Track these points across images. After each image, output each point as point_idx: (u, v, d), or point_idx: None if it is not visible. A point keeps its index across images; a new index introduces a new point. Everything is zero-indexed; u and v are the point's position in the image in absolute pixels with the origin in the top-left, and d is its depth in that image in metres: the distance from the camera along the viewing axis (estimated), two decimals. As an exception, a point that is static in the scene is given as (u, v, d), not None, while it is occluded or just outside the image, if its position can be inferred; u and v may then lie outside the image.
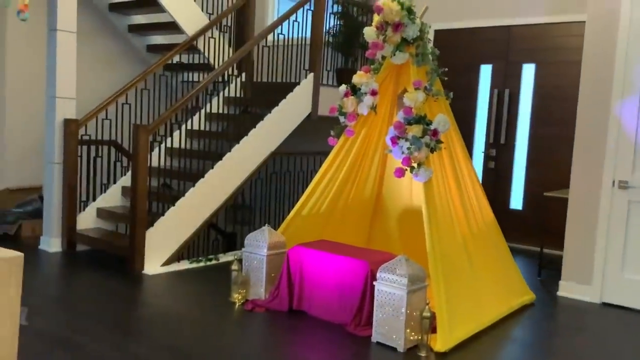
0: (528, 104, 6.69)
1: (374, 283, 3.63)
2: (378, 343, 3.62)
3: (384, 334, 3.59)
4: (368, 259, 3.87)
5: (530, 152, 6.70)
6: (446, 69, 4.29)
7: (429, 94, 4.05)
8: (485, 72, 6.95)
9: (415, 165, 3.87)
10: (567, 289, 4.93)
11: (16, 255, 2.02)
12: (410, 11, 4.13)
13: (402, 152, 3.90)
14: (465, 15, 6.86)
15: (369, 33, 4.25)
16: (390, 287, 3.55)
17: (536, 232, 5.99)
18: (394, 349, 3.54)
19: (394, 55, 4.19)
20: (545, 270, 5.62)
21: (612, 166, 4.69)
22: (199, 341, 3.54)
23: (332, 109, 4.39)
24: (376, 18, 4.22)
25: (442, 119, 3.83)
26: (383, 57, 4.41)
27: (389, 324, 3.56)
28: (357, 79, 4.32)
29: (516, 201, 6.83)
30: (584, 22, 6.44)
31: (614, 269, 4.70)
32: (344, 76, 6.97)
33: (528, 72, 6.67)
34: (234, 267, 4.30)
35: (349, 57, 7.01)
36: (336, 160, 4.55)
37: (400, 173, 3.87)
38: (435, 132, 3.83)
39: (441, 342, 3.53)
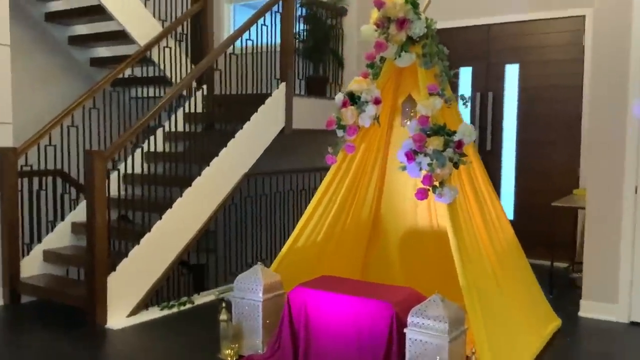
0: (513, 107, 6.25)
1: (405, 331, 3.00)
2: (413, 403, 2.99)
3: (419, 392, 2.96)
4: (388, 298, 3.24)
5: (518, 159, 6.26)
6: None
7: (442, 99, 3.47)
8: (466, 75, 6.47)
9: (437, 184, 3.27)
10: (589, 309, 4.44)
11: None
12: (414, 5, 3.56)
13: (420, 169, 3.30)
14: (439, 16, 6.33)
15: (367, 32, 3.65)
16: (425, 335, 2.93)
17: (531, 244, 5.53)
18: (435, 410, 2.92)
19: (399, 56, 3.59)
20: (557, 288, 5.13)
21: (634, 171, 4.24)
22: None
23: (329, 122, 3.75)
24: (375, 14, 3.62)
25: (468, 129, 3.26)
26: (381, 60, 3.82)
27: (426, 379, 2.94)
28: (356, 85, 3.70)
29: (507, 212, 6.33)
30: (569, 17, 6.18)
31: (643, 285, 4.25)
32: (314, 85, 6.38)
33: (511, 72, 6.24)
34: (223, 316, 3.58)
35: (319, 64, 6.40)
36: (334, 181, 3.92)
37: (423, 195, 3.27)
38: (459, 144, 3.24)
39: (490, 397, 2.94)
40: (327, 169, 6.18)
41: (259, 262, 3.66)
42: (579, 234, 5.84)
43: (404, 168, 3.42)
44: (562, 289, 5.04)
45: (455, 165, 3.28)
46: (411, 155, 3.30)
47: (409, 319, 2.99)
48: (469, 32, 6.34)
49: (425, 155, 3.25)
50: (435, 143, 3.23)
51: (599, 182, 4.38)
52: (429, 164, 3.23)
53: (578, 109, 5.83)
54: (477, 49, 6.34)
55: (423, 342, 2.93)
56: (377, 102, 3.66)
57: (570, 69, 5.90)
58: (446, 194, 3.24)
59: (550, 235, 5.18)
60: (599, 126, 4.38)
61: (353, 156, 3.93)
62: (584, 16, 5.78)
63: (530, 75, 6.12)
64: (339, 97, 3.75)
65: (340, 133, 3.77)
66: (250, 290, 3.53)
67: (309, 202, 5.91)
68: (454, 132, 3.28)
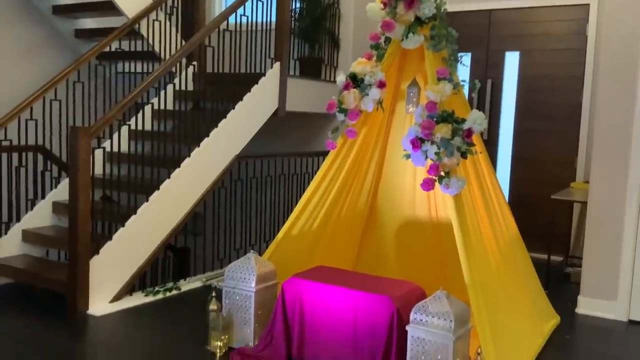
0: (512, 95, 6.10)
1: (406, 328, 2.84)
2: (412, 403, 2.85)
3: (420, 392, 2.81)
4: (389, 293, 3.07)
5: (515, 149, 6.12)
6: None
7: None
8: (464, 61, 6.27)
9: (443, 174, 3.10)
10: (587, 306, 4.33)
11: None
12: (424, -16, 3.37)
13: (426, 158, 3.13)
14: (440, -2, 6.18)
15: (374, 10, 3.45)
16: (429, 333, 2.77)
17: (525, 236, 5.41)
18: (436, 411, 2.78)
19: (406, 38, 3.40)
20: (551, 282, 5.03)
21: (639, 166, 4.11)
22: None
23: (330, 105, 3.55)
24: (382, -8, 3.42)
25: (479, 116, 3.09)
26: (386, 41, 3.62)
27: (427, 379, 2.79)
28: (359, 67, 3.50)
29: (501, 202, 6.24)
30: (573, 5, 6.01)
31: (643, 283, 4.15)
32: (308, 66, 6.17)
33: (511, 60, 6.08)
34: (212, 306, 3.40)
35: (314, 45, 6.17)
36: (332, 168, 3.74)
37: (429, 185, 3.10)
38: (469, 133, 3.07)
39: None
40: (320, 153, 6.05)
41: (252, 250, 3.48)
42: (575, 227, 5.75)
43: (408, 156, 3.24)
44: (557, 284, 4.94)
45: (464, 155, 3.11)
46: (417, 143, 3.13)
47: (412, 316, 2.83)
48: (469, 16, 6.15)
49: (432, 143, 3.08)
50: (443, 131, 3.06)
51: (602, 176, 4.25)
52: (436, 153, 3.05)
53: (578, 100, 5.70)
54: (477, 34, 6.16)
55: (426, 341, 2.78)
56: (381, 85, 3.47)
57: (572, 59, 5.75)
58: (453, 185, 3.08)
59: (545, 227, 5.06)
60: (604, 118, 4.23)
61: (353, 142, 3.75)
62: (588, 5, 5.63)
63: (531, 63, 5.96)
64: (341, 79, 3.55)
65: (341, 117, 3.57)
66: (242, 280, 3.35)
67: (301, 188, 5.80)
68: (463, 120, 3.11)
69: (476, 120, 3.07)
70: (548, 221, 5.06)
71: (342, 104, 3.52)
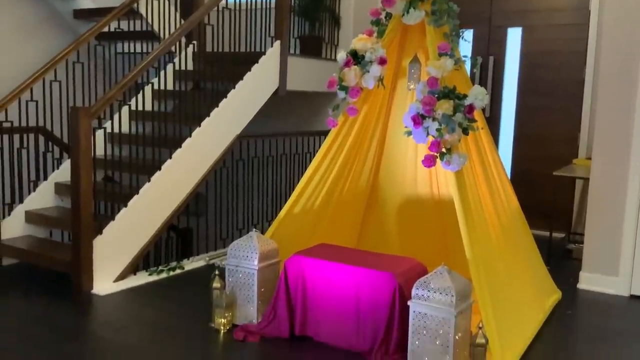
0: (514, 72, 6.06)
1: (408, 303, 2.86)
2: (414, 377, 2.87)
3: (422, 366, 2.84)
4: (391, 269, 3.09)
5: (517, 125, 6.10)
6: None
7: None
8: (466, 37, 6.22)
9: (444, 150, 3.10)
10: (589, 281, 4.35)
11: None
12: (425, -42, 3.33)
13: (428, 135, 3.12)
14: (442, -26, 6.10)
15: (374, -14, 3.40)
16: (431, 308, 2.79)
17: (527, 213, 5.42)
18: (438, 385, 2.81)
19: (407, 13, 3.37)
20: (553, 259, 5.04)
21: (642, 141, 4.10)
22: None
23: (330, 83, 3.53)
24: (383, -33, 3.38)
25: (481, 92, 3.07)
26: (387, 17, 3.59)
27: (429, 355, 2.81)
28: (359, 44, 3.48)
29: (503, 179, 6.23)
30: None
31: (645, 258, 4.16)
32: (308, 45, 6.12)
33: (514, 36, 6.03)
34: (215, 284, 3.42)
35: (314, 23, 6.12)
36: (334, 146, 3.73)
37: (430, 162, 3.09)
38: (470, 109, 3.06)
39: (496, 373, 2.83)
40: (321, 132, 6.03)
41: (255, 229, 3.49)
42: (577, 204, 5.75)
43: (409, 133, 3.23)
44: (559, 260, 4.95)
45: (465, 132, 3.10)
46: (418, 120, 3.12)
47: (414, 291, 2.85)
48: (470, -8, 6.09)
49: (434, 119, 3.07)
50: (444, 107, 3.05)
51: (605, 151, 4.24)
52: (438, 129, 3.04)
53: (581, 76, 5.67)
54: (479, 10, 6.10)
55: (428, 316, 2.80)
56: (382, 62, 3.45)
57: (575, 34, 5.71)
58: (454, 162, 3.07)
59: (547, 204, 5.06)
60: (608, 94, 4.21)
61: (354, 120, 3.74)
62: (590, -21, 5.57)
63: (533, 39, 5.91)
64: (342, 56, 3.53)
65: (341, 95, 3.56)
66: (245, 258, 3.37)
67: (303, 167, 5.79)
68: (465, 96, 3.10)
69: (477, 96, 3.05)
70: (550, 198, 5.05)
71: (342, 81, 3.51)
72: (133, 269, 4.28)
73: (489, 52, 6.10)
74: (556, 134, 5.88)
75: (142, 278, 4.25)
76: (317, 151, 5.95)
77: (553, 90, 5.84)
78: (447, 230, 4.14)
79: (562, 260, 4.99)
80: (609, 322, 3.77)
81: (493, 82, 6.10)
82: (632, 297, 4.21)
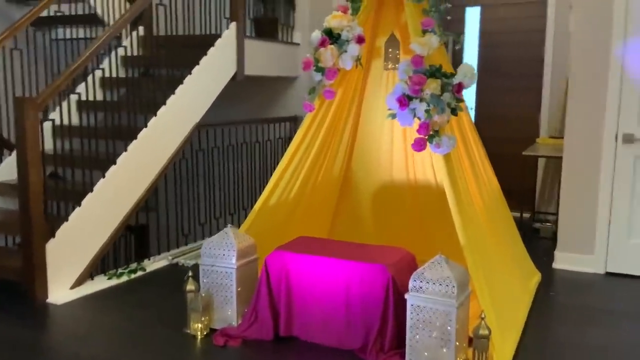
0: (474, 52, 6.00)
1: (405, 296, 2.68)
2: (414, 374, 2.71)
3: (422, 363, 2.68)
4: (382, 260, 2.90)
5: (478, 107, 6.04)
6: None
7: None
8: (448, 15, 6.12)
9: (432, 132, 2.93)
10: (564, 261, 4.32)
11: None
12: None
13: (414, 117, 2.94)
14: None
15: (347, -41, 3.18)
16: (430, 300, 2.62)
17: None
18: (440, 382, 2.65)
19: (384, -12, 3.17)
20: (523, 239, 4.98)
21: (615, 118, 4.07)
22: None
23: (306, 64, 3.29)
24: (356, -62, 3.16)
25: (469, 70, 2.91)
26: (362, -8, 3.37)
27: (429, 349, 2.65)
28: (334, 22, 3.25)
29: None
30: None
31: (619, 235, 4.14)
32: (263, 26, 5.84)
33: (472, 16, 5.95)
34: (189, 286, 3.15)
35: (269, 4, 5.84)
36: (309, 133, 3.50)
37: (420, 145, 2.91)
38: (459, 87, 2.89)
39: (498, 364, 2.70)
40: (283, 119, 5.77)
41: (230, 225, 3.22)
42: (539, 183, 5.74)
43: (393, 116, 3.04)
44: (529, 240, 4.91)
45: (454, 112, 2.94)
46: (404, 101, 2.92)
47: (411, 283, 2.67)
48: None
49: (421, 100, 2.89)
50: (432, 86, 2.87)
51: (577, 129, 4.19)
52: (426, 110, 2.86)
53: (540, 55, 5.64)
54: (437, -10, 5.97)
55: (427, 309, 2.63)
56: (360, 40, 3.24)
57: (533, 12, 5.68)
58: (444, 144, 2.91)
59: (514, 185, 5.01)
60: (580, 71, 4.15)
61: (330, 103, 3.51)
62: (549, -45, 5.53)
63: (492, 18, 5.85)
64: (316, 35, 3.29)
65: (317, 77, 3.32)
66: (222, 256, 3.10)
67: (264, 155, 5.53)
68: (452, 74, 2.93)
69: (467, 74, 2.89)
70: (517, 179, 5.00)
71: (318, 62, 3.27)
72: (90, 273, 3.93)
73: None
74: (517, 113, 5.86)
75: (101, 283, 3.91)
76: (279, 139, 5.72)
77: (513, 69, 5.81)
78: (424, 216, 4.00)
79: (532, 240, 4.95)
80: (594, 301, 3.73)
81: (453, 62, 5.99)
82: (608, 274, 4.20)
